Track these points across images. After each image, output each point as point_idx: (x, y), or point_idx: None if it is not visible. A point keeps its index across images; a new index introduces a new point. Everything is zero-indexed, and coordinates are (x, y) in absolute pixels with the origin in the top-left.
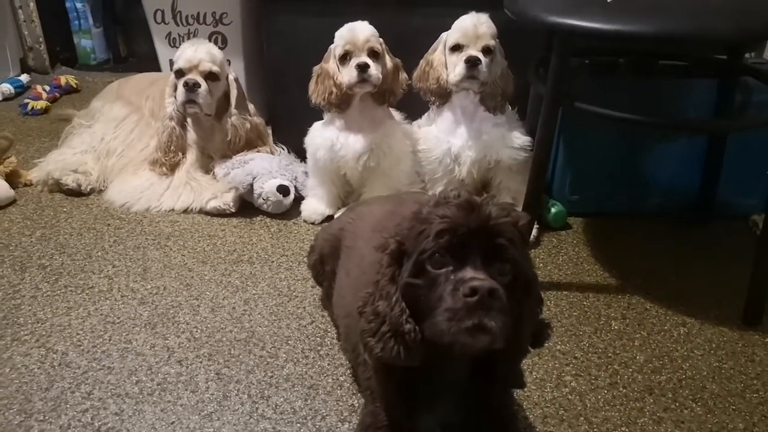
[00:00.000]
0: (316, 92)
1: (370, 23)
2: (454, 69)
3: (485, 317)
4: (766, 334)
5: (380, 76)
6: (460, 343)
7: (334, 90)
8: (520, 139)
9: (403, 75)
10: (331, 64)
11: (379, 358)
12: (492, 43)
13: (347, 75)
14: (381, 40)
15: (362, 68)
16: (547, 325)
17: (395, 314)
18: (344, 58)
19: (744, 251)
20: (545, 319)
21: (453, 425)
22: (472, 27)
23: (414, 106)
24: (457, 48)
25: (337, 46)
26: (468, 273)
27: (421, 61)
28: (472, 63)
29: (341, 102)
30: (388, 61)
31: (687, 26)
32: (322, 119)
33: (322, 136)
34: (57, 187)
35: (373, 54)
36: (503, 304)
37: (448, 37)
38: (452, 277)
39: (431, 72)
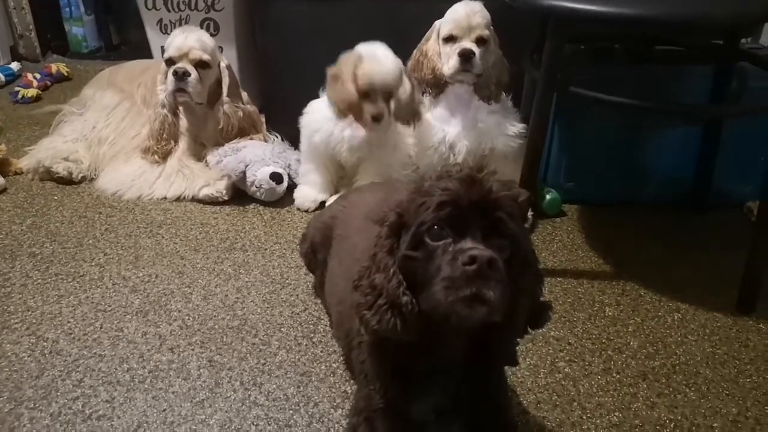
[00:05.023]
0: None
1: (363, 10)
2: (447, 61)
3: (483, 287)
4: (760, 320)
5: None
6: (457, 314)
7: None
8: (515, 126)
9: None
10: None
11: (374, 331)
12: (486, 33)
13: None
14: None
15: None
16: (548, 306)
17: (392, 286)
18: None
19: (739, 238)
20: (546, 301)
21: (447, 409)
22: (465, 17)
23: None
24: (450, 39)
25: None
26: (467, 243)
27: (415, 51)
28: (465, 57)
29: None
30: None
31: (683, 10)
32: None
33: (319, 122)
34: (48, 176)
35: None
36: (502, 276)
37: (441, 27)
38: (451, 249)
39: (425, 62)
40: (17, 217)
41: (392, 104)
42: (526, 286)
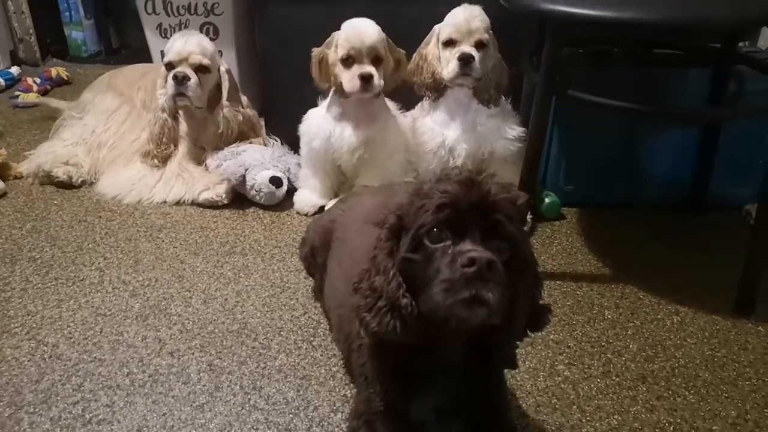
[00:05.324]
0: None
1: (364, 12)
2: (447, 65)
3: (482, 289)
4: (759, 323)
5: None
6: (455, 316)
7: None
8: (514, 130)
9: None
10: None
11: (374, 334)
12: (485, 37)
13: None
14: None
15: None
16: (547, 309)
17: (392, 288)
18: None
19: (737, 241)
20: (545, 304)
21: (447, 409)
22: (465, 22)
23: (408, 96)
24: (450, 43)
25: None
26: (466, 246)
27: (414, 55)
28: (464, 61)
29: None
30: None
31: (682, 13)
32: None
33: (318, 126)
34: (48, 180)
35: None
36: (501, 278)
37: (441, 31)
38: (450, 251)
39: (425, 66)
40: (17, 221)
41: (381, 71)
42: (525, 289)
